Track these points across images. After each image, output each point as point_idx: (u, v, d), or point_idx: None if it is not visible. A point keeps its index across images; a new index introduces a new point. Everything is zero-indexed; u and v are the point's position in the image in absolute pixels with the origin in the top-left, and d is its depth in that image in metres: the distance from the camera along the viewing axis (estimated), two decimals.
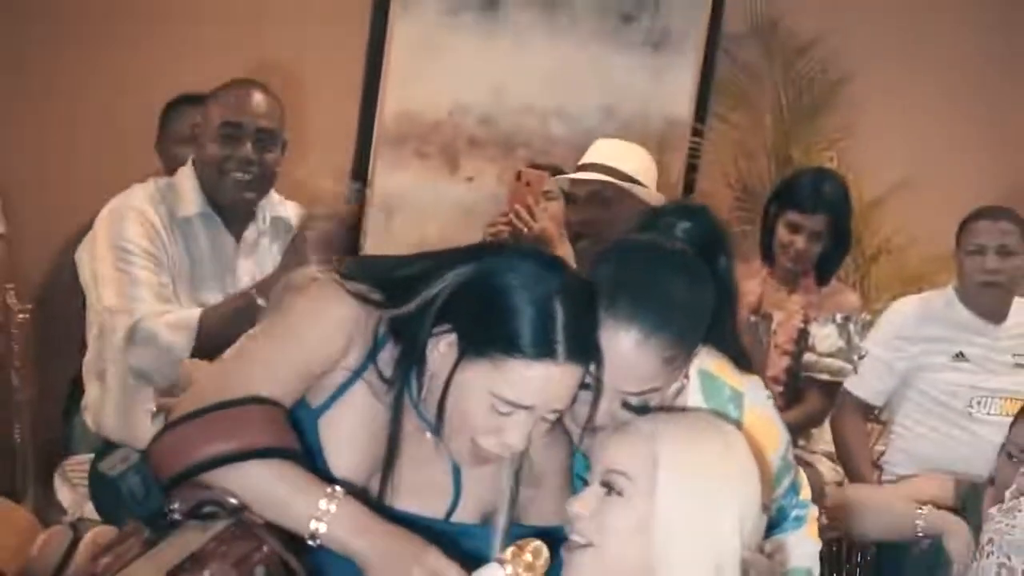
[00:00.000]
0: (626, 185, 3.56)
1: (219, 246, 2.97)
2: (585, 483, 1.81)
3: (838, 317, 3.80)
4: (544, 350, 1.70)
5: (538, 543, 1.69)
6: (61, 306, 3.75)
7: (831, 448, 3.81)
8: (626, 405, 1.84)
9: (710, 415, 1.91)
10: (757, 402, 2.04)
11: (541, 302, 1.71)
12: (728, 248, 1.98)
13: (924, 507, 3.06)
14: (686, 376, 1.93)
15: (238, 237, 2.99)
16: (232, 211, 2.98)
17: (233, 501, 1.68)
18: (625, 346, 1.79)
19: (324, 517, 1.68)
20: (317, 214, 2.78)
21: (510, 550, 1.68)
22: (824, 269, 3.83)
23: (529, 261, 1.77)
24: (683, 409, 1.93)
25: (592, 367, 1.77)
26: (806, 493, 2.18)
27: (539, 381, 1.71)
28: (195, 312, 2.79)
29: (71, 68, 4.04)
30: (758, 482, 1.75)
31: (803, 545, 2.12)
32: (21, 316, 3.14)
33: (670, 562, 1.67)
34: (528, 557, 1.67)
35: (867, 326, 3.80)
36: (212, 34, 4.15)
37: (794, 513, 2.13)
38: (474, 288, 1.74)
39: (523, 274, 1.73)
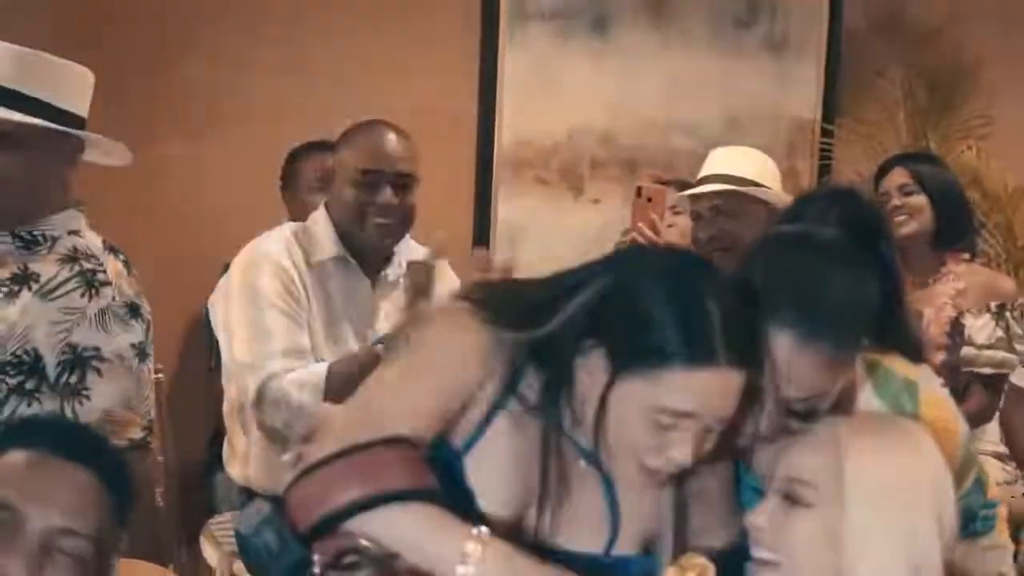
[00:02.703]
0: (747, 189, 3.41)
1: (356, 290, 2.92)
2: (760, 494, 1.68)
3: (992, 306, 3.59)
4: (703, 354, 1.57)
5: (702, 560, 1.57)
6: (193, 366, 3.75)
7: (999, 448, 3.60)
8: (792, 412, 1.70)
9: (891, 415, 1.77)
10: (933, 391, 1.89)
11: (692, 302, 1.58)
12: (887, 231, 1.83)
13: None
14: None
15: (375, 280, 2.94)
16: (371, 255, 2.93)
17: (374, 549, 1.59)
18: (783, 350, 1.65)
19: (470, 561, 1.56)
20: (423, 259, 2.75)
21: (670, 570, 1.55)
22: (943, 244, 3.61)
23: (671, 261, 1.65)
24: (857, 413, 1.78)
25: (756, 371, 1.63)
26: (994, 492, 2.01)
27: (700, 388, 1.58)
28: (322, 369, 2.74)
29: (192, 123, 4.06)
30: (951, 479, 1.61)
31: (994, 549, 1.95)
32: (157, 376, 3.12)
33: (865, 573, 1.53)
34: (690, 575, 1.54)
35: None
36: (324, 80, 4.17)
37: (982, 513, 1.95)
38: (617, 298, 1.62)
39: (667, 275, 1.61)
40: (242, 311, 2.79)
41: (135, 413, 2.29)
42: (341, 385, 2.62)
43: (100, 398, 2.25)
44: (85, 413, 2.24)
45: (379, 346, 2.71)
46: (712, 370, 1.57)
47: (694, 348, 1.56)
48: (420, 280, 2.76)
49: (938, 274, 3.63)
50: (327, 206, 2.96)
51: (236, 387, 2.85)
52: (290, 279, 2.82)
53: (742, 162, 3.53)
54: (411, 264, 2.81)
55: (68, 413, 2.24)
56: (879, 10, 4.70)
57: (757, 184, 3.44)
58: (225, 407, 2.98)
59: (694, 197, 3.49)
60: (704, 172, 3.55)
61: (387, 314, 2.91)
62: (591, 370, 1.63)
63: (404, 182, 2.88)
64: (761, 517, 1.62)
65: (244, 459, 2.93)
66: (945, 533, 1.58)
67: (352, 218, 2.87)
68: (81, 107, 2.34)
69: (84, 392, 2.25)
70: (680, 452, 1.61)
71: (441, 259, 2.82)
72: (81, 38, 3.59)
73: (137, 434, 2.28)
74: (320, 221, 2.93)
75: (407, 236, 2.98)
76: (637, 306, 1.59)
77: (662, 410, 1.58)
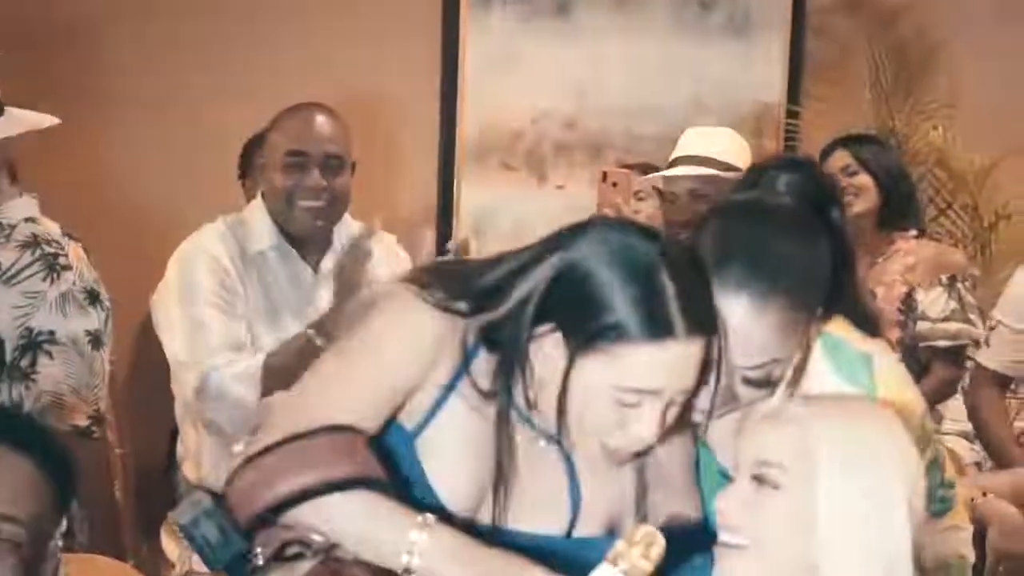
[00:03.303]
0: (728, 175, 3.38)
1: (296, 277, 2.89)
2: (727, 479, 1.65)
3: (943, 278, 3.59)
4: (660, 329, 1.53)
5: (648, 528, 1.51)
6: (153, 359, 3.70)
7: (965, 426, 3.59)
8: (747, 381, 1.67)
9: (860, 396, 1.74)
10: (887, 364, 1.85)
11: (645, 276, 1.55)
12: (839, 199, 1.81)
13: None
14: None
15: (316, 267, 2.90)
16: (306, 241, 2.89)
17: (318, 539, 1.56)
18: (736, 315, 1.63)
19: (415, 549, 1.53)
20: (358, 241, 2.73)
21: (618, 544, 1.50)
22: (893, 221, 3.64)
23: (619, 234, 1.60)
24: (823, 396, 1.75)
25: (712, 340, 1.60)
26: (951, 471, 1.97)
27: (663, 363, 1.55)
28: (258, 360, 2.71)
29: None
30: (920, 462, 1.57)
31: (953, 530, 1.92)
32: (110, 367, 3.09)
33: (837, 557, 1.50)
34: (638, 549, 1.48)
35: (977, 283, 3.61)
36: (285, 62, 4.13)
37: (940, 494, 1.92)
38: (568, 278, 1.58)
39: (617, 250, 1.57)
40: (178, 308, 2.76)
41: (82, 400, 2.27)
42: (278, 374, 2.60)
43: (46, 380, 2.24)
44: (31, 395, 2.22)
45: (310, 331, 2.67)
46: (672, 343, 1.54)
47: (652, 323, 1.53)
48: (347, 262, 2.73)
49: (887, 252, 3.63)
50: (263, 195, 2.92)
51: (179, 387, 2.83)
52: (225, 272, 2.78)
53: (717, 143, 3.50)
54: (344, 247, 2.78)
55: (15, 396, 2.22)
56: None
57: (732, 166, 3.41)
58: (176, 407, 2.94)
59: (670, 180, 3.46)
60: (678, 152, 3.52)
61: (331, 301, 2.86)
62: (548, 352, 1.59)
63: (333, 163, 2.84)
64: (727, 500, 1.58)
65: (196, 458, 2.89)
66: (915, 516, 1.55)
67: (282, 203, 2.84)
68: None
69: (32, 375, 2.23)
70: (645, 429, 1.58)
71: (372, 239, 2.78)
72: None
73: (82, 421, 2.26)
74: (256, 210, 2.90)
75: (347, 220, 2.95)
76: (590, 286, 1.56)
77: (626, 389, 1.55)
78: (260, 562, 1.57)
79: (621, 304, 1.54)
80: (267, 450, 1.59)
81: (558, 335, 1.58)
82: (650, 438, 1.59)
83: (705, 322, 1.58)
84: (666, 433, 1.66)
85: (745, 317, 1.63)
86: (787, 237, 1.69)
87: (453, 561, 1.54)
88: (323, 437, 1.58)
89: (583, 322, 1.56)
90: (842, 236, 1.77)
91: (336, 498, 1.55)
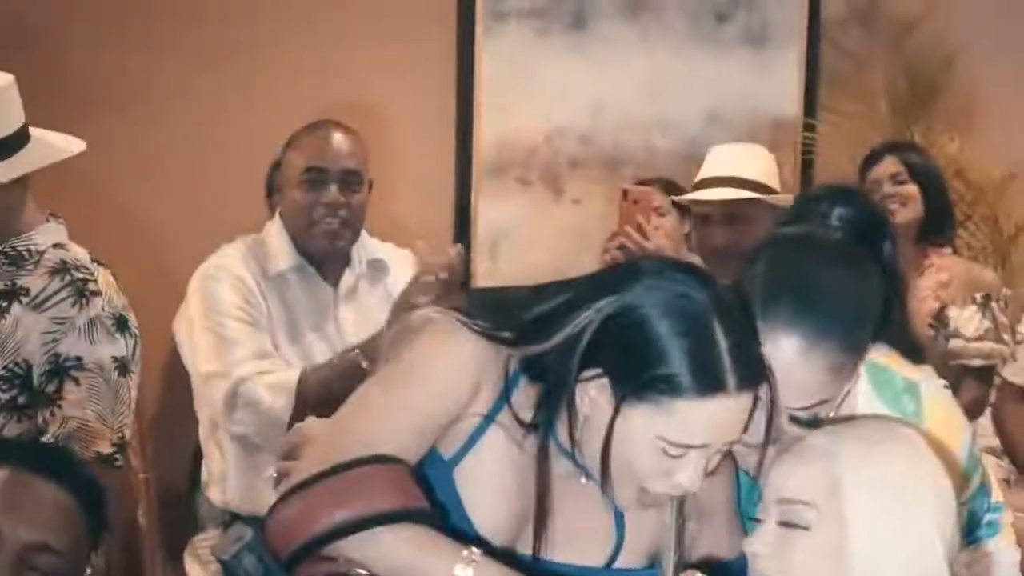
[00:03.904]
0: (765, 197, 3.33)
1: (316, 297, 2.88)
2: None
3: (978, 297, 3.56)
4: (713, 384, 1.51)
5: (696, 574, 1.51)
6: (176, 379, 3.68)
7: (993, 442, 3.56)
8: (794, 420, 1.65)
9: (885, 419, 1.71)
10: (935, 391, 1.83)
11: (698, 330, 1.52)
12: (891, 232, 1.77)
13: None
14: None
15: (336, 285, 2.89)
16: (326, 259, 2.87)
17: (362, 573, 1.54)
18: (786, 356, 1.60)
19: None
20: (428, 267, 2.62)
21: None
22: (930, 235, 3.61)
23: (673, 282, 1.57)
24: (852, 417, 1.72)
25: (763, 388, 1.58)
26: (998, 494, 1.95)
27: (711, 418, 1.52)
28: (294, 374, 2.69)
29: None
30: (951, 485, 1.55)
31: (1001, 554, 1.89)
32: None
33: None
34: None
35: (1009, 302, 3.58)
36: (299, 80, 4.10)
37: (987, 518, 1.89)
38: (619, 324, 1.55)
39: (672, 299, 1.54)
40: (203, 325, 2.75)
41: (107, 427, 2.25)
42: (315, 391, 2.60)
43: (72, 406, 2.22)
44: (55, 421, 2.21)
45: (355, 353, 2.65)
46: (723, 398, 1.51)
47: (703, 379, 1.51)
48: (415, 292, 2.58)
49: (921, 267, 3.60)
50: (281, 215, 2.90)
51: (207, 402, 2.81)
52: (248, 290, 2.78)
53: (750, 162, 3.44)
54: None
55: (39, 422, 2.22)
56: (858, 0, 4.63)
57: (767, 185, 3.37)
58: (200, 430, 2.93)
59: (700, 201, 3.41)
60: (709, 173, 3.44)
61: (352, 321, 2.86)
62: (593, 397, 1.57)
63: (351, 180, 2.82)
64: (758, 543, 1.56)
65: (222, 482, 2.87)
66: (949, 542, 1.52)
67: (300, 221, 2.82)
68: (15, 121, 2.29)
69: (58, 401, 2.22)
70: (688, 479, 1.56)
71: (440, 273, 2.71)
72: None
73: (106, 448, 2.24)
74: (274, 230, 2.89)
75: (365, 238, 2.93)
76: (643, 334, 1.53)
77: (671, 443, 1.53)
78: None
79: (675, 357, 1.51)
80: (311, 480, 1.56)
81: (605, 381, 1.56)
82: (692, 487, 1.57)
83: (756, 375, 1.56)
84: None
85: (795, 357, 1.60)
86: (839, 275, 1.66)
87: None
88: (368, 467, 1.56)
89: (633, 371, 1.53)
90: (893, 269, 1.74)
91: (382, 531, 1.53)
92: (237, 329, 2.73)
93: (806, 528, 1.51)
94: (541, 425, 1.61)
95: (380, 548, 1.53)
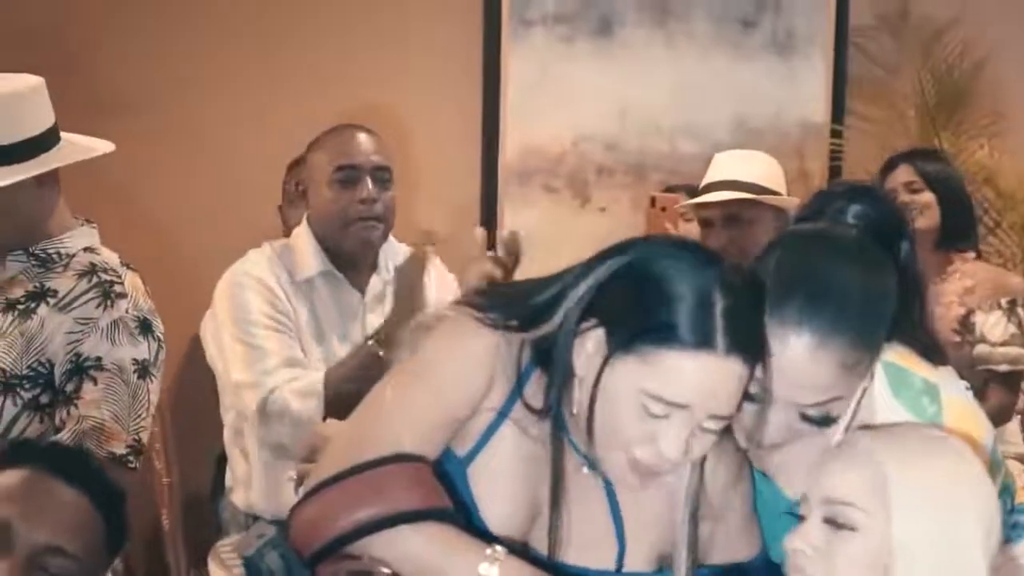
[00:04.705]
0: (762, 198, 3.34)
1: (344, 302, 2.87)
2: (794, 518, 1.60)
3: (1003, 302, 3.52)
4: (701, 338, 1.50)
5: None
6: (199, 383, 3.68)
7: (1020, 449, 3.53)
8: (806, 418, 1.63)
9: (923, 425, 1.69)
10: (956, 393, 1.79)
11: (697, 289, 1.52)
12: (908, 231, 1.75)
13: None
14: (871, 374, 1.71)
15: (363, 291, 2.88)
16: (355, 262, 2.86)
17: (385, 571, 1.53)
18: (798, 352, 1.58)
19: None
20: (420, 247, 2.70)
21: None
22: (953, 241, 3.57)
23: (686, 251, 1.59)
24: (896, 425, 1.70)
25: (759, 371, 1.56)
26: (1022, 496, 1.92)
27: (696, 375, 1.51)
28: (319, 375, 2.68)
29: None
30: (994, 490, 1.53)
31: None
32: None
33: None
34: None
35: None
36: (323, 85, 4.11)
37: (1012, 520, 1.86)
38: (626, 278, 1.56)
39: (680, 262, 1.55)
40: (232, 333, 2.74)
41: (123, 428, 2.24)
42: (340, 387, 2.59)
43: (89, 406, 2.22)
44: (72, 419, 2.20)
45: (370, 343, 2.64)
46: (709, 356, 1.50)
47: (693, 331, 1.50)
48: (409, 269, 2.70)
49: (944, 273, 3.57)
50: (308, 219, 2.89)
51: (235, 410, 2.81)
52: (275, 296, 2.77)
53: (750, 166, 3.46)
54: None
55: (57, 421, 2.22)
56: (886, 6, 4.61)
57: (766, 188, 3.38)
58: (225, 434, 2.93)
59: (704, 205, 3.42)
60: (711, 178, 3.47)
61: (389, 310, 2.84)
62: (589, 353, 1.57)
63: (382, 176, 2.82)
64: (800, 540, 1.54)
65: (246, 486, 2.87)
66: (992, 547, 1.51)
67: (333, 222, 2.81)
68: (46, 119, 2.30)
69: (75, 400, 2.22)
70: (670, 446, 1.54)
71: (430, 245, 2.75)
72: None
73: (119, 449, 2.23)
74: (303, 236, 2.88)
75: (393, 242, 2.92)
76: (644, 285, 1.54)
77: (653, 396, 1.52)
78: None
79: (669, 307, 1.52)
80: (332, 480, 1.56)
81: (601, 332, 1.56)
82: (675, 457, 1.55)
83: (748, 346, 1.54)
84: (715, 464, 1.65)
85: (805, 353, 1.59)
86: (852, 271, 1.63)
87: None
88: (390, 466, 1.55)
89: (628, 320, 1.54)
90: (911, 267, 1.72)
91: (406, 530, 1.52)
92: (266, 337, 2.72)
93: (852, 530, 1.50)
94: (551, 404, 1.60)
95: (404, 547, 1.53)
